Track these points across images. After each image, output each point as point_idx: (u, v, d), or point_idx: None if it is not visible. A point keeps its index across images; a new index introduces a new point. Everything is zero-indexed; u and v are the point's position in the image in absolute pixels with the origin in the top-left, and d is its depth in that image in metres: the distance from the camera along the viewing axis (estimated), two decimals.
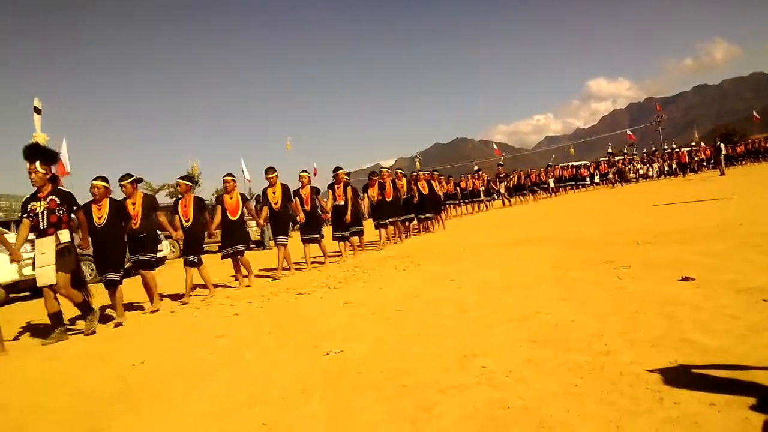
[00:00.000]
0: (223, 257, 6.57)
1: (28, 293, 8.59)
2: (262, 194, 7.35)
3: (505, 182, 19.80)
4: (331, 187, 8.34)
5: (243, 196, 6.72)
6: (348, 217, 7.99)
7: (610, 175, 26.10)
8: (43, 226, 4.54)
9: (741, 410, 1.75)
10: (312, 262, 7.62)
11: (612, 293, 3.59)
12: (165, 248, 11.62)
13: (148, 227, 5.55)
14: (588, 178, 27.06)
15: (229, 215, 6.49)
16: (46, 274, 4.47)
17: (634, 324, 2.84)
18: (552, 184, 23.80)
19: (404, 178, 10.79)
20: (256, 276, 7.11)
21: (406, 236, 10.80)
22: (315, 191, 7.81)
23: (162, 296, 6.21)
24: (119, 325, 5.05)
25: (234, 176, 6.76)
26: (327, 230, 8.37)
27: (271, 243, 11.02)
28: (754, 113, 38.75)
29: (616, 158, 27.41)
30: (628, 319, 2.93)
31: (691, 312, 2.89)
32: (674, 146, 31.78)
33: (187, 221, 6.07)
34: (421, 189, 11.08)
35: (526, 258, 5.81)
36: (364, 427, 2.09)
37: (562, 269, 4.74)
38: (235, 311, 4.98)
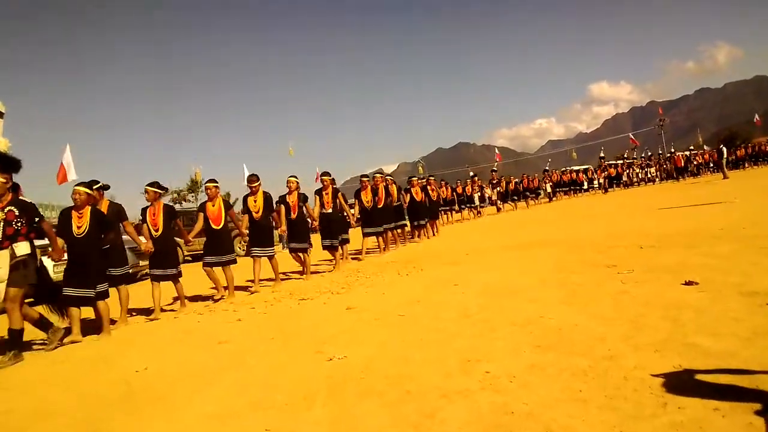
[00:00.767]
0: (204, 266, 6.27)
1: (32, 299, 8.58)
2: (242, 202, 6.99)
3: (498, 188, 19.84)
4: (318, 193, 7.97)
5: (227, 203, 6.45)
6: (353, 222, 7.79)
7: (600, 181, 26.02)
8: None
9: (746, 415, 1.74)
10: (310, 273, 7.28)
11: (615, 297, 3.58)
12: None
13: (114, 239, 5.23)
14: (585, 183, 26.99)
15: (211, 224, 6.21)
16: (1, 290, 4.22)
17: (638, 328, 2.83)
18: (549, 189, 23.75)
19: (394, 185, 10.34)
20: (261, 285, 6.74)
21: (404, 243, 10.59)
22: (302, 198, 7.42)
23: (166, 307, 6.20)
24: (75, 343, 4.66)
25: (217, 182, 6.41)
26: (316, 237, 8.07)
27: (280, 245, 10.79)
28: (756, 116, 38.67)
29: (609, 163, 27.32)
30: (632, 323, 2.92)
31: (695, 316, 2.89)
32: (671, 150, 31.70)
33: (156, 230, 5.67)
34: (414, 195, 10.93)
35: (529, 262, 5.80)
36: None
37: (565, 273, 4.74)
38: (238, 317, 4.98)
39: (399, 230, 10.48)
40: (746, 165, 28.76)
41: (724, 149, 22.85)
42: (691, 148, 33.16)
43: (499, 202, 20.01)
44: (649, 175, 28.74)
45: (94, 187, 5.30)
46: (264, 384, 2.84)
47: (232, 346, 3.84)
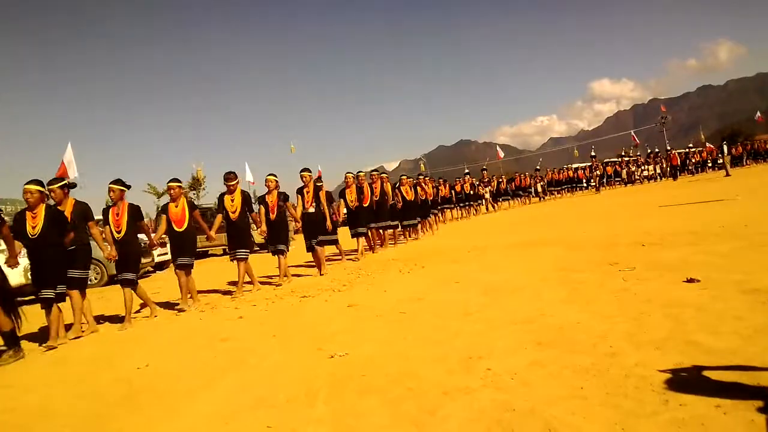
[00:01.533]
0: (176, 269, 5.90)
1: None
2: (218, 201, 6.60)
3: (489, 187, 19.83)
4: (299, 191, 7.38)
5: (191, 204, 6.03)
6: (329, 224, 7.32)
7: (593, 181, 25.96)
8: None
9: (747, 412, 1.74)
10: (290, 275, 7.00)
11: (617, 295, 3.58)
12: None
13: (78, 239, 4.93)
14: (585, 181, 26.87)
15: (174, 226, 5.79)
16: None
17: (640, 326, 2.83)
18: (540, 189, 23.68)
19: (389, 183, 9.88)
20: (260, 283, 6.80)
21: (393, 244, 10.30)
22: (283, 197, 6.88)
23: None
24: (51, 348, 4.53)
25: (180, 182, 6.02)
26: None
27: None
28: (759, 114, 38.55)
29: (606, 161, 27.19)
30: (633, 321, 2.92)
31: (696, 313, 2.89)
32: (668, 148, 31.56)
33: (119, 232, 5.21)
34: (404, 194, 10.61)
35: (531, 260, 5.80)
36: (369, 430, 2.09)
37: (567, 271, 4.74)
38: (240, 314, 4.99)
39: (385, 231, 9.94)
40: (747, 162, 28.71)
41: (725, 147, 22.80)
42: (690, 145, 33.06)
43: (490, 200, 19.99)
44: (649, 173, 28.66)
45: (57, 184, 5.02)
46: (265, 381, 2.85)
47: (234, 344, 3.85)
